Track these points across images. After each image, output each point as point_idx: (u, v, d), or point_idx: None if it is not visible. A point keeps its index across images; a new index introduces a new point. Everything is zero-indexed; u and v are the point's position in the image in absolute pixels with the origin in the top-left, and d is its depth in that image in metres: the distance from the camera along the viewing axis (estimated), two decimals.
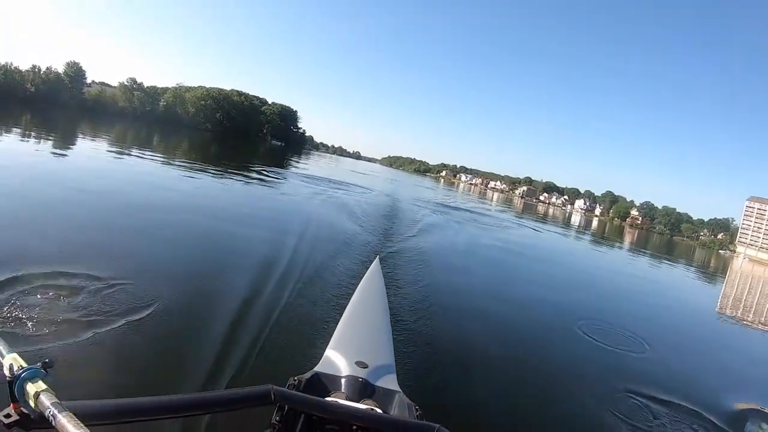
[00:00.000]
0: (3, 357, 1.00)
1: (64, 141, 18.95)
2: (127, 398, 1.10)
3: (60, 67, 45.76)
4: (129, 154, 17.78)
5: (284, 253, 6.64)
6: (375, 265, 4.44)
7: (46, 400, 0.92)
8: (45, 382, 0.96)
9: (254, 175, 18.42)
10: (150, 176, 12.50)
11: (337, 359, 2.10)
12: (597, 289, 10.03)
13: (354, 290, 3.52)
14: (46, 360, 1.01)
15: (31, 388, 0.94)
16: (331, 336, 2.43)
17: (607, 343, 5.97)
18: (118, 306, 3.72)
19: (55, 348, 2.93)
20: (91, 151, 16.47)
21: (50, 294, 3.63)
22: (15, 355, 1.02)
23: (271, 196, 14.30)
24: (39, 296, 3.58)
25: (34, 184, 8.27)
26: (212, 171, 16.78)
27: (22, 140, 15.94)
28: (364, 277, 3.89)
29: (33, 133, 19.40)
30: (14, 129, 19.86)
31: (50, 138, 18.66)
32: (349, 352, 2.16)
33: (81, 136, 23.13)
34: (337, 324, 2.67)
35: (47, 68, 43.64)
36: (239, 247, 6.71)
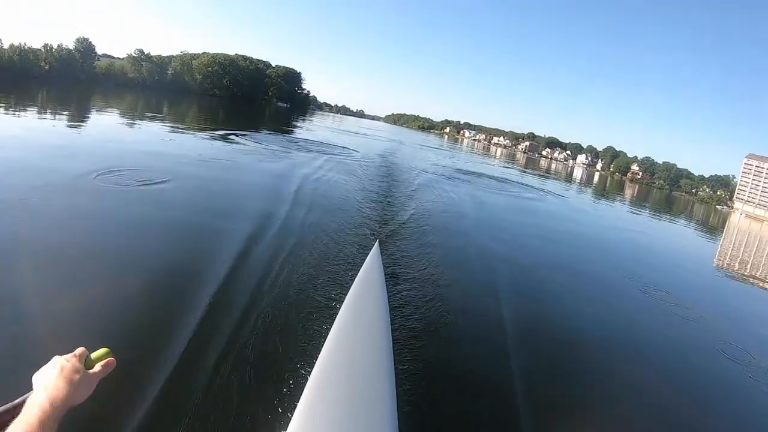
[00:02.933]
0: None
1: (81, 114, 18.87)
2: None
3: (70, 44, 45.85)
4: (141, 122, 17.66)
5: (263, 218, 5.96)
6: (374, 253, 3.56)
7: None
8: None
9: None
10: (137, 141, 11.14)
11: None
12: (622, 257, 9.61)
13: (344, 299, 2.73)
14: None
15: None
16: (301, 393, 1.72)
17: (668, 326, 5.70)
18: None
19: None
20: (107, 121, 15.89)
21: None
22: None
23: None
24: None
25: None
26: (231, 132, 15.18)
27: (44, 117, 15.37)
28: (354, 285, 2.99)
29: (51, 109, 19.05)
30: (36, 107, 19.44)
31: (67, 112, 18.26)
32: (329, 427, 1.49)
33: (95, 108, 22.92)
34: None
35: (58, 46, 43.73)
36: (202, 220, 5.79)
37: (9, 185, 5.95)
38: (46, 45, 42.79)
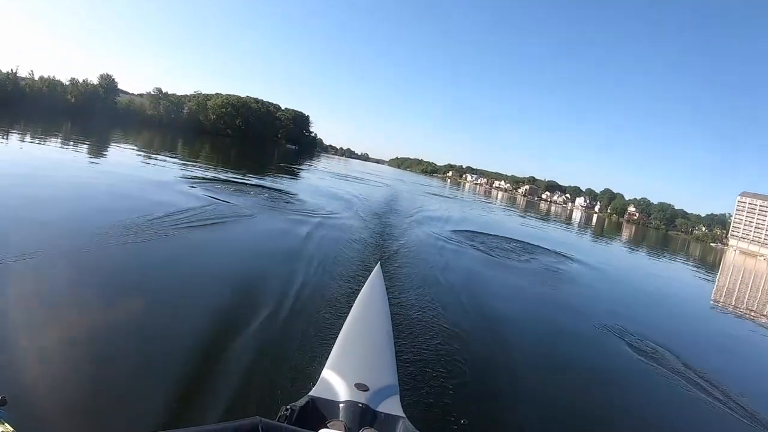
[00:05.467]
0: None
1: (103, 146, 20.38)
2: None
3: (94, 79, 48.10)
4: (157, 158, 18.65)
5: (280, 260, 6.16)
6: (376, 271, 4.14)
7: None
8: (4, 420, 0.96)
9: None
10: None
11: (334, 382, 1.90)
12: (607, 285, 9.68)
13: (354, 300, 3.25)
14: (1, 396, 1.01)
15: None
16: (328, 355, 2.24)
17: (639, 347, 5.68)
18: (84, 327, 3.38)
19: (16, 378, 2.62)
20: (126, 155, 17.72)
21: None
22: None
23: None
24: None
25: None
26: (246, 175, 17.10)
27: (70, 148, 17.30)
28: (364, 286, 3.62)
29: (76, 141, 20.57)
30: (64, 137, 21.02)
31: (90, 144, 19.77)
32: (348, 373, 1.97)
33: (116, 142, 24.42)
34: (335, 341, 2.45)
35: (84, 80, 46.09)
36: (227, 254, 6.09)
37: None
38: (72, 79, 45.04)
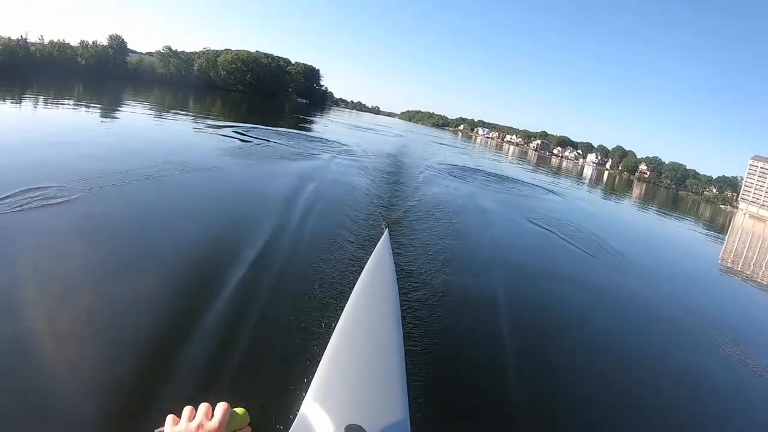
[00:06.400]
0: None
1: (116, 105, 19.51)
2: None
3: (103, 40, 47.22)
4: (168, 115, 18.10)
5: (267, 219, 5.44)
6: (383, 243, 3.44)
7: None
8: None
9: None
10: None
11: (316, 423, 1.41)
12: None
13: (351, 291, 2.56)
14: None
15: None
16: (310, 382, 1.69)
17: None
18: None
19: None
20: (142, 113, 16.80)
21: None
22: None
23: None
24: None
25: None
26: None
27: (84, 108, 16.33)
28: (365, 269, 2.90)
29: (88, 102, 19.73)
30: (79, 100, 20.17)
31: (103, 104, 18.82)
32: (337, 410, 1.48)
33: (128, 101, 23.40)
34: (320, 360, 1.84)
35: (93, 42, 45.32)
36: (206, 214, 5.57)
37: None
38: (82, 41, 44.42)
